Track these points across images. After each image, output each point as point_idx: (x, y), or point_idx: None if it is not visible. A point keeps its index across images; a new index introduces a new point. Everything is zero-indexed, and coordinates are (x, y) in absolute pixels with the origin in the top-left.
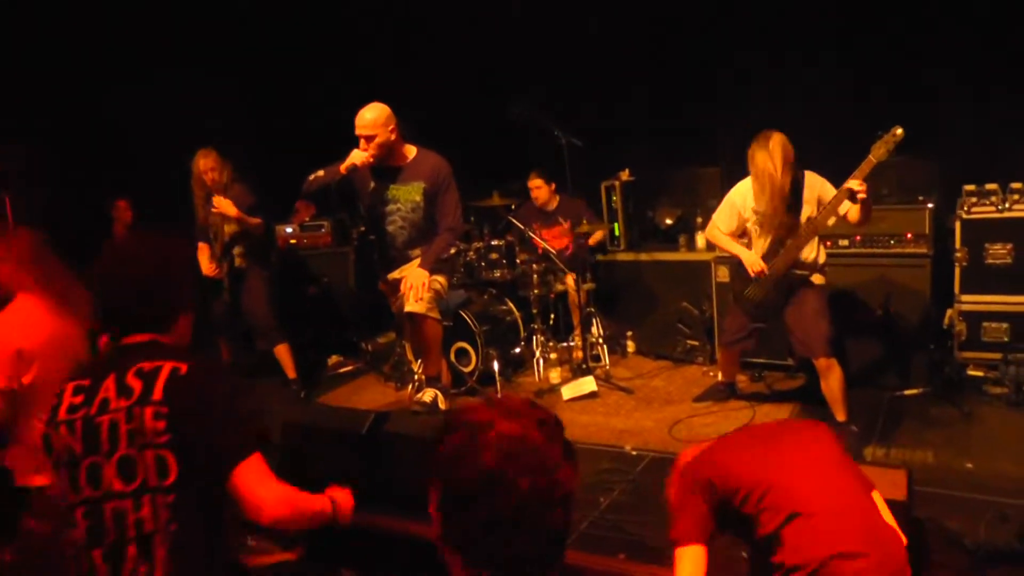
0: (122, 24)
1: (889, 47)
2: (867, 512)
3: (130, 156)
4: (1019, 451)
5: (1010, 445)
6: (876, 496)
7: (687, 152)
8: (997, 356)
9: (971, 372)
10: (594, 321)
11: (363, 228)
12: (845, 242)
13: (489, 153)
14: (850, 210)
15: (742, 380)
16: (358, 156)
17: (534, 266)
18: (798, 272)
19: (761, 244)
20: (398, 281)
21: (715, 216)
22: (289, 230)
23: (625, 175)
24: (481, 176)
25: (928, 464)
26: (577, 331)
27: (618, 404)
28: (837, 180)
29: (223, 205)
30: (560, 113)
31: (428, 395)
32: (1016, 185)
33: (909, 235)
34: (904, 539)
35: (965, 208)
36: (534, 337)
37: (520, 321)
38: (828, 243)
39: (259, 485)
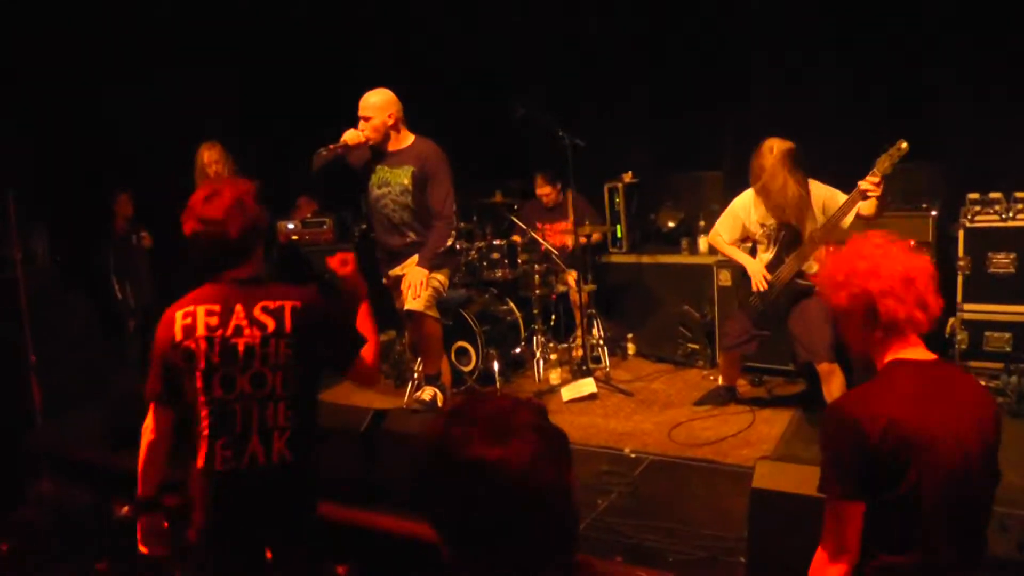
0: (124, 19)
1: (893, 52)
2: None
3: (132, 150)
4: (1020, 461)
5: (1011, 455)
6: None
7: (690, 155)
8: (999, 366)
9: None
10: (595, 323)
11: (364, 226)
12: None
13: (492, 152)
14: (863, 205)
15: (742, 384)
16: (351, 135)
17: (536, 266)
18: (802, 282)
19: (766, 255)
20: (400, 278)
21: (718, 223)
22: (291, 226)
23: (628, 177)
24: (484, 175)
25: None
26: (578, 332)
27: (618, 406)
28: (840, 184)
29: None
30: (563, 114)
31: (427, 393)
32: (1020, 194)
33: (912, 243)
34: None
35: (968, 216)
36: (534, 337)
37: (521, 321)
38: (832, 250)
39: (366, 365)
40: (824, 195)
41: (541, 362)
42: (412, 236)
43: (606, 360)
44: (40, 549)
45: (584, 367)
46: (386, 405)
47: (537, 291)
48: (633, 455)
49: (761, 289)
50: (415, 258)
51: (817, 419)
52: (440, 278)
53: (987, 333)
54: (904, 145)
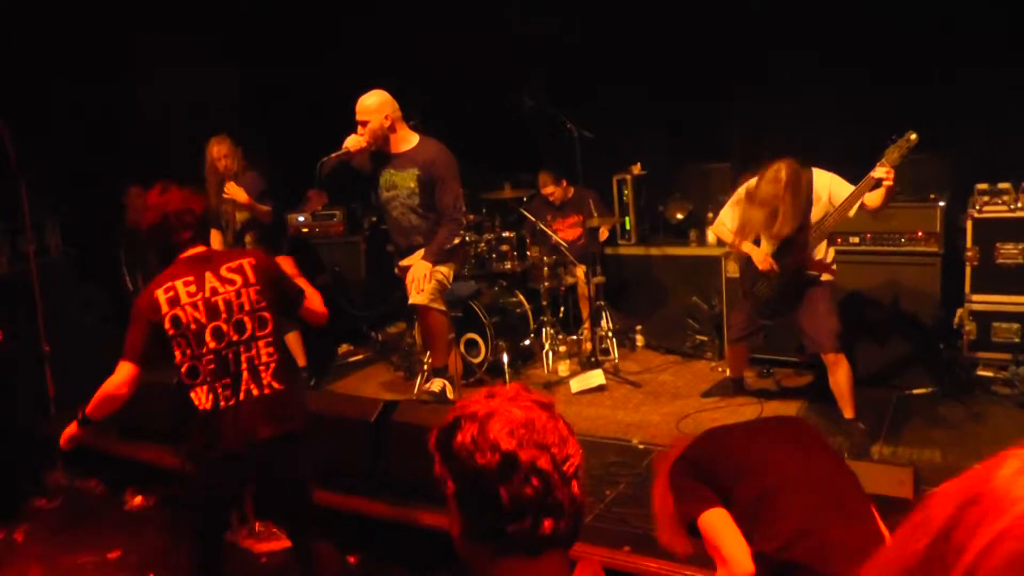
0: (132, 12)
1: (903, 42)
2: (846, 489)
3: (143, 143)
4: None
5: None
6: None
7: (699, 147)
8: (1007, 357)
9: (980, 372)
10: (604, 315)
11: (374, 218)
12: (855, 239)
13: (500, 145)
14: (868, 197)
15: (750, 376)
16: (352, 141)
17: (544, 258)
18: (807, 272)
19: (771, 243)
20: (408, 269)
21: (722, 213)
22: (301, 218)
23: (637, 169)
24: (493, 168)
25: (935, 463)
26: (586, 324)
27: (626, 398)
28: (848, 176)
29: (234, 192)
30: (572, 106)
31: (436, 385)
32: None
33: (920, 233)
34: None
35: (977, 207)
36: (543, 329)
37: (530, 313)
38: (839, 240)
39: (312, 303)
40: (829, 184)
41: (550, 354)
42: (420, 239)
43: (615, 352)
44: (53, 538)
45: (593, 359)
46: (396, 397)
47: (546, 283)
48: (641, 446)
49: (773, 271)
50: (422, 251)
51: (826, 410)
52: (444, 271)
53: (995, 324)
54: (913, 136)
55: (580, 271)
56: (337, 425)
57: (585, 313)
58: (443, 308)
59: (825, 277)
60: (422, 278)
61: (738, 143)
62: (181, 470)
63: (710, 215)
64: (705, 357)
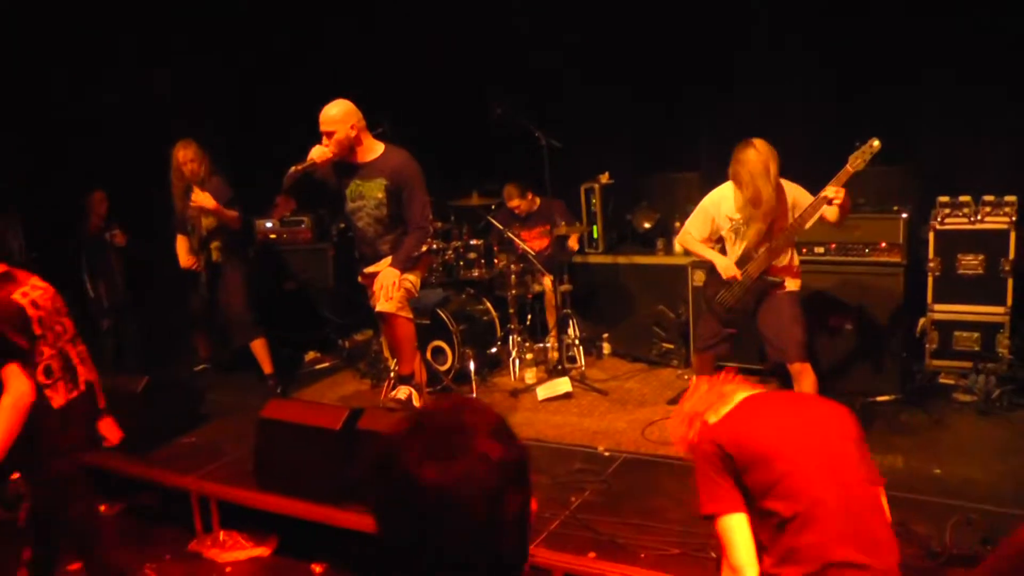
0: (98, 13)
1: (871, 55)
2: (874, 516)
3: (106, 148)
4: (986, 458)
5: (978, 452)
6: (883, 497)
7: (667, 157)
8: (968, 364)
9: (942, 380)
10: (570, 322)
11: (343, 225)
12: (820, 249)
13: (468, 153)
14: (827, 211)
15: None
16: (317, 152)
17: (512, 266)
18: (771, 278)
19: (735, 250)
20: (374, 276)
21: (688, 222)
22: (269, 225)
23: (605, 178)
24: (460, 176)
25: (897, 469)
26: (553, 332)
27: (592, 405)
28: (816, 185)
29: (201, 199)
30: (541, 114)
31: (403, 393)
32: (988, 197)
33: (883, 244)
34: (898, 551)
35: (939, 219)
36: (511, 337)
37: (497, 321)
38: (804, 250)
39: None
40: (794, 193)
41: (517, 361)
42: (386, 248)
43: (581, 359)
44: (11, 549)
45: (559, 367)
46: (362, 404)
47: (513, 291)
48: (607, 453)
49: (737, 279)
50: (388, 259)
51: None
52: (412, 279)
53: (956, 333)
54: (876, 143)
55: (547, 280)
56: (303, 433)
57: (552, 321)
58: (410, 316)
59: (791, 285)
60: (391, 285)
61: (705, 153)
62: None
63: (677, 224)
64: (671, 365)
